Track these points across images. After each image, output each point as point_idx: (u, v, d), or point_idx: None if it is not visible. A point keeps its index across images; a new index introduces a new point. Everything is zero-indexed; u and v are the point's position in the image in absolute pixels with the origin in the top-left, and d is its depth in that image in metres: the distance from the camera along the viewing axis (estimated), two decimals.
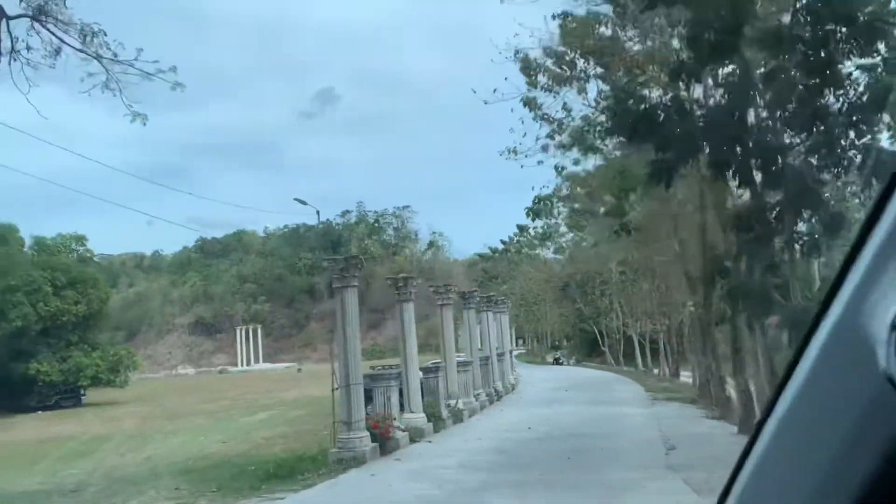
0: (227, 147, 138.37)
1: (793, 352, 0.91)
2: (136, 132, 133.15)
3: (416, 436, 16.92)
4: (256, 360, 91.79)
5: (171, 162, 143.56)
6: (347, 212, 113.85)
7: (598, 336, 57.63)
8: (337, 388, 13.74)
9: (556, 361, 62.53)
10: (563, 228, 48.16)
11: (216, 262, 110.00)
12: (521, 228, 64.41)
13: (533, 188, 40.56)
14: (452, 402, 21.08)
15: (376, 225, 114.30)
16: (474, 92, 19.60)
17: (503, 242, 74.01)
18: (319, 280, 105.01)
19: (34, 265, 41.68)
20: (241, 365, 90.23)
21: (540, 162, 22.36)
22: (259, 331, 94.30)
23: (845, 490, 0.74)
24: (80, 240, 45.42)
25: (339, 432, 13.85)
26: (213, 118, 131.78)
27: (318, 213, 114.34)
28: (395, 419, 15.77)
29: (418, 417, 17.91)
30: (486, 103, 19.14)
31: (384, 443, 14.78)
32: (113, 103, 14.17)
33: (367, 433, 14.20)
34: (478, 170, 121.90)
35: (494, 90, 19.32)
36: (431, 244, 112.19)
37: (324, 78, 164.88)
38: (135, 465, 17.00)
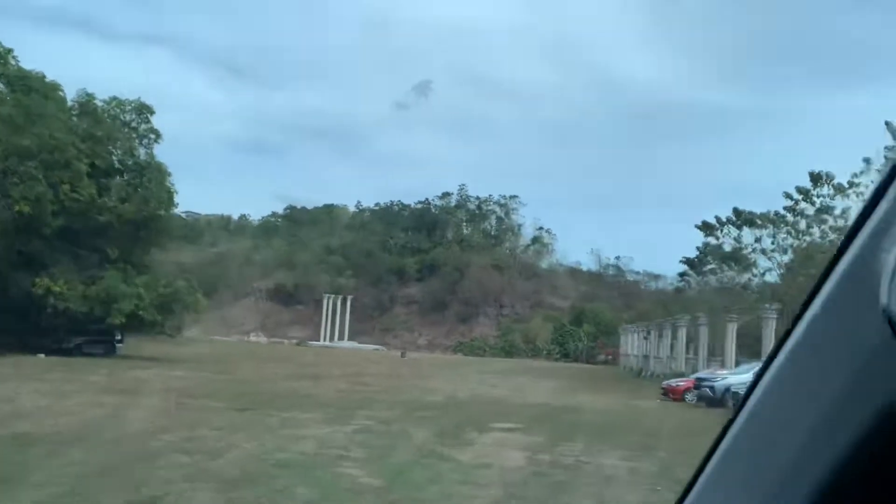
0: (322, 129, 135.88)
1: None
2: (239, 106, 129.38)
3: None
4: (341, 337, 77.90)
5: (268, 138, 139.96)
6: (448, 194, 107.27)
7: None
8: None
9: None
10: None
11: (304, 231, 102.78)
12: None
13: None
14: None
15: (478, 212, 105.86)
16: None
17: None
18: (411, 261, 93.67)
19: (67, 130, 26.64)
20: (325, 339, 76.21)
21: None
22: (348, 303, 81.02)
23: (837, 446, 0.72)
24: (145, 110, 29.82)
25: None
26: (313, 101, 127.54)
27: None
28: None
29: None
30: None
31: None
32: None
33: None
34: (571, 184, 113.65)
35: None
36: (536, 240, 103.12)
37: (423, 71, 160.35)
38: None
